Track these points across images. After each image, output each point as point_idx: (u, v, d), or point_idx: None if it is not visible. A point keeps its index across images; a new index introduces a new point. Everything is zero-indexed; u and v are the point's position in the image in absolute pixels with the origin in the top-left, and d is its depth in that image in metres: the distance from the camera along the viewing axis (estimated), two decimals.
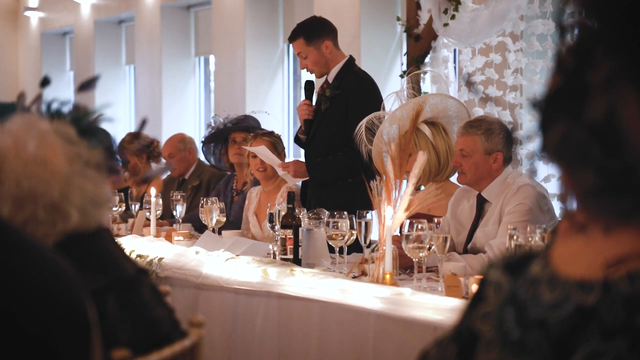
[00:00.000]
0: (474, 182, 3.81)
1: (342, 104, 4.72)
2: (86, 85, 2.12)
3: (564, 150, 1.03)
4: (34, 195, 1.79)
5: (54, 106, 1.97)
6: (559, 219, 2.80)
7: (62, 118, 1.94)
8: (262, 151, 4.91)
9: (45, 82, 2.09)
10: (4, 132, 1.84)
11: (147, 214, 5.20)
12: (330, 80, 4.82)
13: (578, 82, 1.02)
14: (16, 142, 1.82)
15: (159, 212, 5.18)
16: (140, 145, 6.25)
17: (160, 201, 5.21)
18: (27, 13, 12.25)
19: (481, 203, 3.84)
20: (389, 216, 3.45)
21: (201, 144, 5.94)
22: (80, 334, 1.41)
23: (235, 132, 5.59)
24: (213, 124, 5.77)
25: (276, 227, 4.13)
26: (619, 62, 0.99)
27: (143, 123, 2.27)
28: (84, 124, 1.94)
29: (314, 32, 4.81)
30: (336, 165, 4.70)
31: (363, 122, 4.35)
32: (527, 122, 5.68)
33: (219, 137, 5.71)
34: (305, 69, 4.91)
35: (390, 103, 4.44)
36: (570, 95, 1.02)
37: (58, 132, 1.85)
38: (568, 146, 1.02)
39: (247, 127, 5.57)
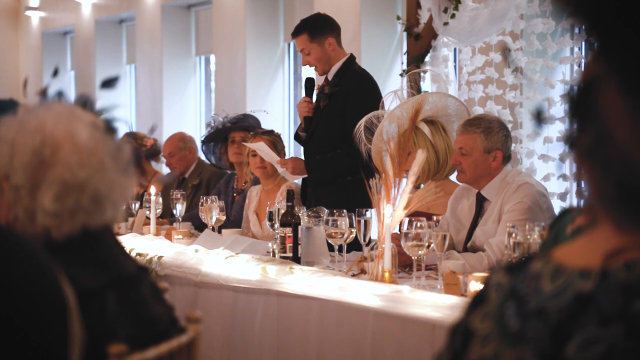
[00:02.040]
0: (473, 181, 3.82)
1: (341, 102, 4.72)
2: (108, 83, 2.12)
3: (590, 157, 1.04)
4: (85, 184, 1.79)
5: (66, 98, 1.97)
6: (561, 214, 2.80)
7: (91, 111, 1.94)
8: (261, 147, 4.92)
9: (56, 73, 2.10)
10: (51, 115, 1.83)
11: (147, 212, 5.21)
12: (330, 78, 4.82)
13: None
14: (69, 128, 1.81)
15: (158, 210, 5.19)
16: (137, 144, 6.25)
17: (160, 200, 5.21)
18: (28, 12, 12.26)
19: (480, 201, 3.85)
20: (388, 214, 3.45)
21: (201, 143, 5.94)
22: (55, 315, 1.41)
23: (234, 131, 5.60)
24: (213, 124, 5.77)
25: (276, 226, 4.14)
26: (601, 56, 0.99)
27: (152, 129, 2.29)
28: (106, 121, 1.95)
29: (318, 29, 4.82)
30: (334, 163, 4.70)
31: (362, 121, 4.35)
32: (527, 121, 5.68)
33: (218, 136, 5.72)
34: (307, 65, 4.91)
35: (389, 102, 4.44)
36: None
37: (97, 126, 1.85)
38: (594, 156, 1.03)
39: (247, 126, 5.57)
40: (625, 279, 1.00)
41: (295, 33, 4.85)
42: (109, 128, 1.92)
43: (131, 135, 6.24)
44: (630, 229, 1.04)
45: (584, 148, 1.06)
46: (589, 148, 1.05)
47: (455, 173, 3.99)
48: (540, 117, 1.11)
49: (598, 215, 1.07)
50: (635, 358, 0.97)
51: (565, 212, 2.72)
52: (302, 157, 4.91)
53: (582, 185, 1.08)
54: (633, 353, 0.97)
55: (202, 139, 5.88)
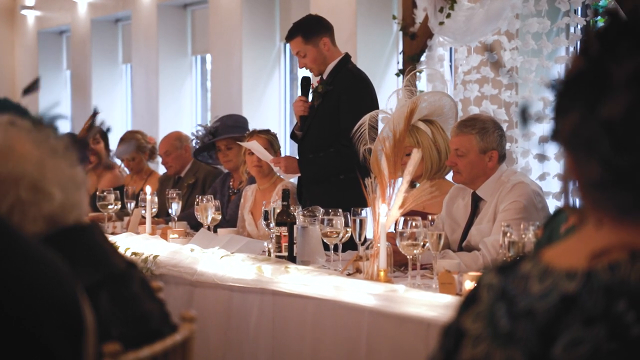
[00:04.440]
0: (470, 181, 3.82)
1: (334, 101, 4.73)
2: (29, 89, 2.12)
3: (574, 140, 1.05)
4: (13, 178, 1.79)
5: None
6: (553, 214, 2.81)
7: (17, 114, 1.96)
8: (255, 146, 4.93)
9: (34, 86, 2.10)
10: None
11: (143, 211, 5.20)
12: (324, 77, 4.82)
13: (600, 70, 1.03)
14: None
15: (154, 210, 5.19)
16: (145, 141, 6.38)
17: (156, 199, 5.21)
18: (23, 12, 12.24)
19: (476, 201, 3.85)
20: (384, 214, 3.46)
21: (194, 157, 5.98)
22: (71, 329, 1.42)
23: (217, 141, 5.61)
24: (197, 136, 5.79)
25: (271, 225, 4.14)
26: None
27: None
28: (37, 119, 1.96)
29: (311, 30, 4.81)
30: (327, 162, 4.71)
31: (366, 119, 4.33)
32: (534, 108, 5.68)
33: (207, 147, 5.76)
34: (304, 68, 4.92)
35: (392, 101, 4.43)
36: (590, 83, 1.04)
37: (16, 124, 1.86)
38: (579, 137, 1.04)
39: (227, 136, 5.57)
40: (609, 280, 1.01)
41: (289, 36, 4.85)
42: (40, 124, 1.94)
43: (138, 133, 6.42)
44: (617, 220, 1.04)
45: (567, 133, 1.07)
46: (573, 131, 1.06)
47: (451, 172, 4.00)
48: (525, 115, 1.12)
49: (584, 212, 1.08)
50: (620, 359, 0.98)
51: (559, 211, 2.72)
52: (297, 156, 4.92)
53: (567, 181, 1.09)
54: (617, 354, 0.98)
55: (193, 153, 5.93)
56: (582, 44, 1.08)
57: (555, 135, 1.09)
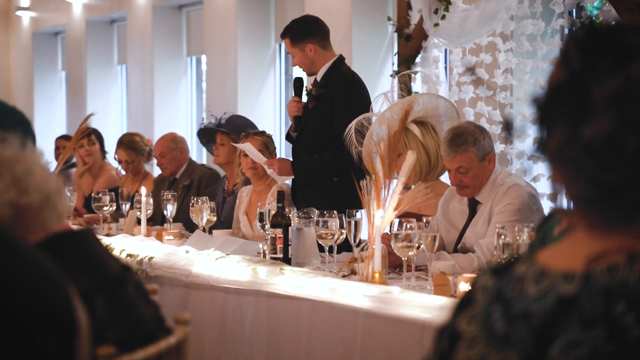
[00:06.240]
0: (478, 190, 3.81)
1: (328, 103, 4.73)
2: None
3: (561, 158, 1.06)
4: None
5: None
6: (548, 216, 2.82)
7: None
8: (248, 148, 4.93)
9: None
10: None
11: (138, 213, 5.20)
12: (318, 79, 4.83)
13: (581, 86, 1.04)
14: None
15: (149, 211, 5.19)
16: (143, 143, 6.44)
17: (151, 200, 5.21)
18: (18, 13, 12.23)
19: (474, 205, 3.85)
20: (379, 215, 3.46)
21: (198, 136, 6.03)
22: (64, 329, 1.42)
23: (218, 133, 5.60)
24: (206, 121, 5.81)
25: (266, 226, 4.14)
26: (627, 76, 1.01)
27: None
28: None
29: (298, 35, 4.83)
30: (321, 164, 4.71)
31: (352, 124, 4.35)
32: (518, 122, 5.70)
33: (207, 135, 5.76)
34: (297, 66, 4.95)
35: (379, 104, 4.44)
36: (572, 98, 1.04)
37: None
38: (564, 156, 1.05)
39: (232, 129, 5.57)
40: (607, 282, 1.02)
41: (283, 34, 4.89)
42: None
43: (137, 135, 6.45)
44: (608, 230, 1.05)
45: (553, 150, 1.07)
46: (558, 149, 1.06)
47: (446, 174, 4.00)
48: (509, 128, 1.13)
49: (576, 219, 1.08)
50: None
51: (552, 213, 2.73)
52: (291, 158, 4.92)
53: (557, 187, 1.10)
54: (615, 356, 0.98)
55: (197, 133, 5.96)
56: (562, 52, 1.08)
57: (542, 149, 1.10)
